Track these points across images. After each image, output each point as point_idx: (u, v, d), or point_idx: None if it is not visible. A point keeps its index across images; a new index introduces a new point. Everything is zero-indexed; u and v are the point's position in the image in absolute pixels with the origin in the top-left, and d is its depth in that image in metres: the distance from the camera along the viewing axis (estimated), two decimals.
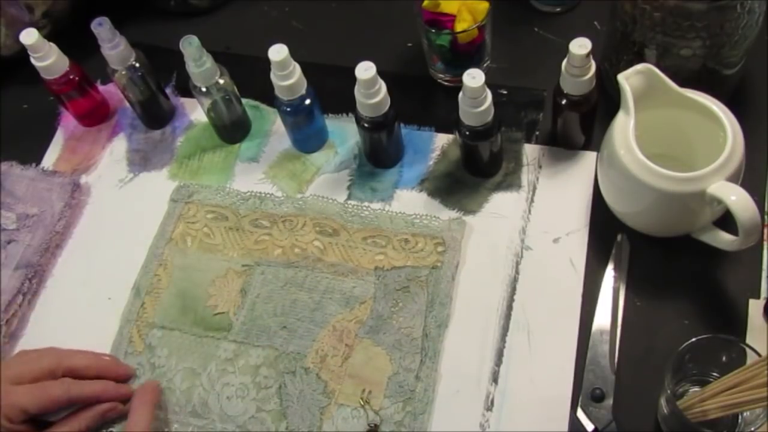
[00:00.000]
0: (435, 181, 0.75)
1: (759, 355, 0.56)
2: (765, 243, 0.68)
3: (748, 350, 0.57)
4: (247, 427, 0.65)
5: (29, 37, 0.73)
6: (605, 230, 0.70)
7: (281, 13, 0.89)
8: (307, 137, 0.78)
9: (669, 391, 0.57)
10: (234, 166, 0.79)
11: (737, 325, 0.65)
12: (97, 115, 0.83)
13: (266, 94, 0.75)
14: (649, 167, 0.61)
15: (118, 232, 0.77)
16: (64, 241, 0.77)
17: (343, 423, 0.65)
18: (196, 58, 0.71)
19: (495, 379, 0.65)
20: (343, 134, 0.79)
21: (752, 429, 0.56)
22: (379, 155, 0.76)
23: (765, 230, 0.68)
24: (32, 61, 0.75)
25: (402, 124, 0.76)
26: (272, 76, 0.70)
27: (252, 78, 0.77)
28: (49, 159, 0.82)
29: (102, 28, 0.72)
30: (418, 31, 0.77)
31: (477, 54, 0.77)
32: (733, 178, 0.61)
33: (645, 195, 0.63)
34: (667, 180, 0.61)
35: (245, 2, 0.90)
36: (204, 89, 0.73)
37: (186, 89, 0.76)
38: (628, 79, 0.63)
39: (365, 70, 0.66)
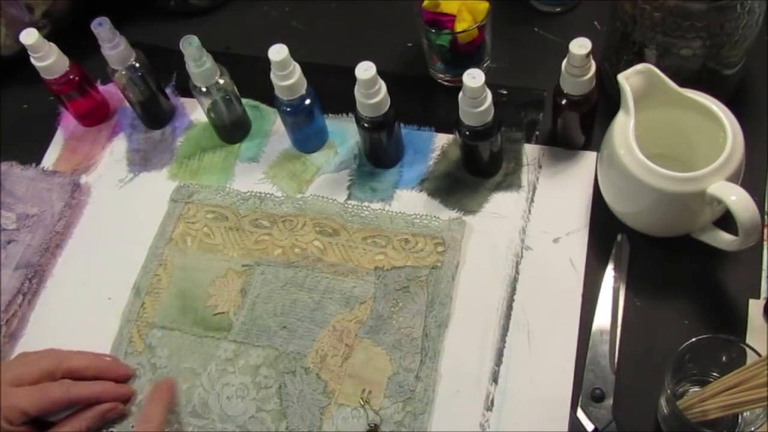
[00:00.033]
0: (435, 181, 0.75)
1: (759, 355, 0.56)
2: (765, 243, 0.68)
3: (748, 350, 0.57)
4: (247, 427, 0.65)
5: (29, 37, 0.73)
6: (605, 230, 0.70)
7: (281, 13, 0.89)
8: (307, 137, 0.78)
9: (669, 391, 0.57)
10: (234, 166, 0.79)
11: (737, 325, 0.65)
12: (97, 115, 0.83)
13: (266, 94, 0.75)
14: (649, 167, 0.61)
15: (118, 232, 0.77)
16: (64, 241, 0.77)
17: (343, 423, 0.65)
18: (196, 58, 0.71)
19: (495, 379, 0.65)
20: (343, 134, 0.79)
21: (752, 429, 0.56)
22: (379, 155, 0.76)
23: (765, 230, 0.68)
24: (32, 61, 0.75)
25: (402, 124, 0.76)
26: (272, 76, 0.70)
27: (252, 78, 0.77)
28: (49, 159, 0.82)
29: (102, 28, 0.72)
30: (418, 31, 0.77)
31: (477, 54, 0.77)
32: (733, 178, 0.61)
33: (645, 195, 0.63)
34: (667, 180, 0.61)
35: (245, 2, 0.90)
36: (204, 89, 0.73)
37: (186, 89, 0.76)
38: (628, 79, 0.63)
39: (365, 70, 0.66)
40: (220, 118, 0.78)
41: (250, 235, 0.74)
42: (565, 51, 0.65)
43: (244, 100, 0.79)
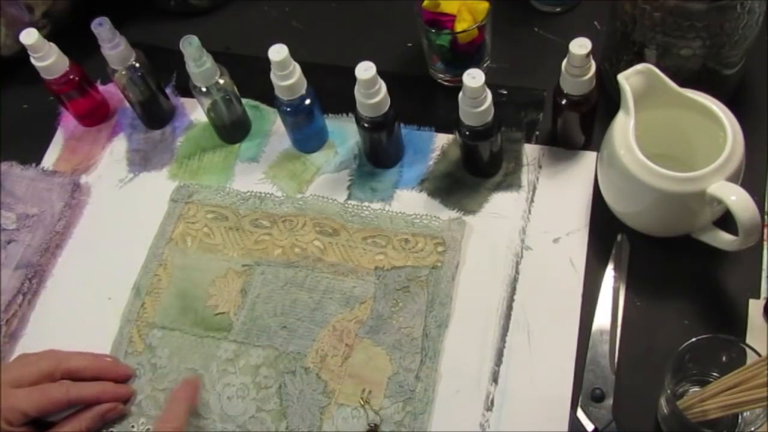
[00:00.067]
0: (435, 181, 0.75)
1: (759, 355, 0.56)
2: (765, 243, 0.68)
3: (748, 350, 0.57)
4: (247, 427, 0.65)
5: (29, 37, 0.73)
6: (605, 230, 0.70)
7: (281, 13, 0.89)
8: (307, 137, 0.78)
9: (669, 391, 0.57)
10: (234, 166, 0.79)
11: (737, 325, 0.65)
12: (97, 115, 0.83)
13: (266, 94, 0.75)
14: (649, 167, 0.61)
15: (118, 232, 0.77)
16: (64, 241, 0.77)
17: (343, 423, 0.65)
18: (196, 58, 0.71)
19: (495, 379, 0.65)
20: (343, 134, 0.79)
21: (752, 429, 0.56)
22: (379, 155, 0.76)
23: (765, 230, 0.68)
24: (32, 61, 0.75)
25: (402, 124, 0.76)
26: (272, 76, 0.70)
27: (252, 78, 0.77)
28: (49, 159, 0.82)
29: (102, 28, 0.72)
30: (418, 31, 0.77)
31: (477, 54, 0.77)
32: (733, 178, 0.61)
33: (645, 195, 0.63)
34: (667, 180, 0.61)
35: (245, 2, 0.90)
36: (204, 89, 0.73)
37: (186, 89, 0.76)
38: (628, 79, 0.63)
39: (365, 70, 0.66)
40: (220, 118, 0.78)
41: (250, 235, 0.74)
42: (565, 51, 0.65)
43: (244, 100, 0.79)
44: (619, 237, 0.69)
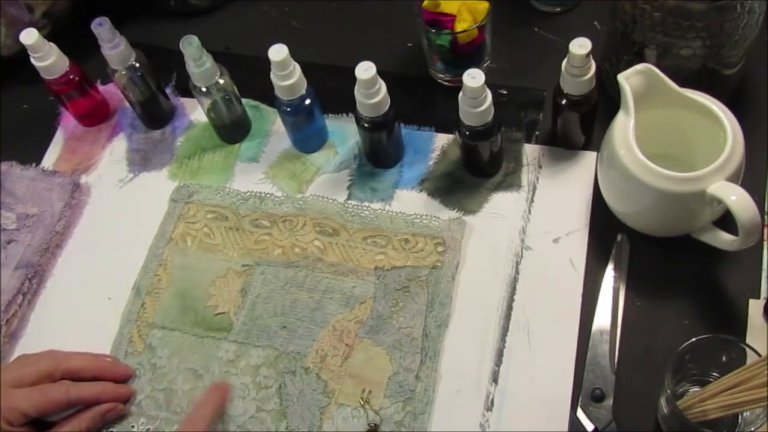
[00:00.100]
0: (435, 181, 0.75)
1: (759, 355, 0.56)
2: (765, 243, 0.68)
3: (748, 350, 0.57)
4: (247, 427, 0.65)
5: (29, 37, 0.73)
6: (605, 230, 0.70)
7: (281, 13, 0.89)
8: (307, 137, 0.78)
9: (669, 391, 0.57)
10: (234, 166, 0.79)
11: (737, 325, 0.65)
12: (97, 115, 0.83)
13: (266, 94, 0.75)
14: (649, 167, 0.61)
15: (118, 232, 0.77)
16: (64, 241, 0.77)
17: (343, 423, 0.65)
18: (196, 58, 0.71)
19: (495, 379, 0.65)
20: (343, 134, 0.79)
21: (752, 429, 0.56)
22: (379, 155, 0.76)
23: (765, 230, 0.68)
24: (32, 61, 0.75)
25: (402, 124, 0.76)
26: (272, 76, 0.70)
27: (252, 78, 0.77)
28: (49, 159, 0.82)
29: (102, 28, 0.72)
30: (418, 31, 0.77)
31: (477, 54, 0.77)
32: (733, 178, 0.61)
33: (645, 195, 0.63)
34: (667, 180, 0.61)
35: (245, 2, 0.90)
36: (204, 89, 0.73)
37: (186, 89, 0.76)
38: (628, 79, 0.63)
39: (365, 70, 0.66)
40: (220, 118, 0.78)
41: (250, 235, 0.74)
42: (565, 51, 0.65)
43: (244, 100, 0.79)
44: (619, 237, 0.69)
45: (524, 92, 0.78)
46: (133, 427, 0.67)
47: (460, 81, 0.65)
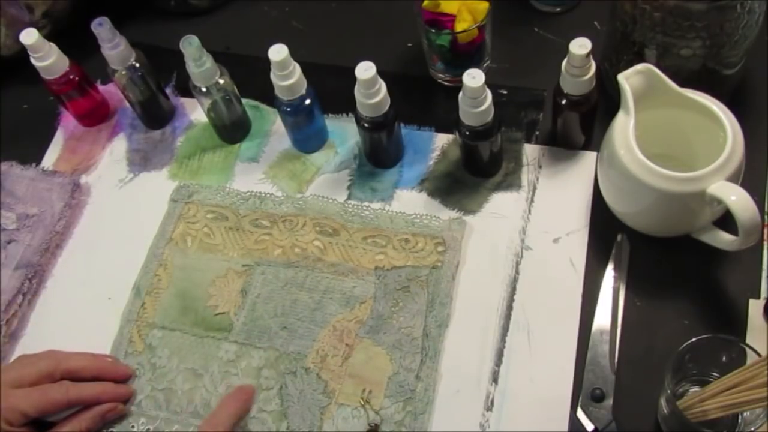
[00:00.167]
0: (435, 181, 0.75)
1: (759, 355, 0.56)
2: (765, 243, 0.68)
3: (748, 350, 0.57)
4: (247, 428, 0.65)
5: (29, 37, 0.73)
6: (605, 230, 0.70)
7: (281, 13, 0.89)
8: (307, 137, 0.78)
9: (669, 391, 0.57)
10: (234, 166, 0.79)
11: (737, 325, 0.65)
12: (97, 115, 0.83)
13: (266, 94, 0.75)
14: (649, 167, 0.61)
15: (118, 232, 0.77)
16: (64, 241, 0.77)
17: (343, 423, 0.65)
18: (196, 58, 0.71)
19: (495, 379, 0.65)
20: (343, 134, 0.79)
21: (752, 429, 0.56)
22: (379, 155, 0.76)
23: (765, 230, 0.68)
24: (32, 61, 0.75)
25: (402, 124, 0.76)
26: (272, 76, 0.70)
27: (252, 78, 0.77)
28: (49, 159, 0.82)
29: (102, 28, 0.72)
30: (418, 31, 0.77)
31: (477, 54, 0.77)
32: (733, 178, 0.61)
33: (645, 195, 0.63)
34: (667, 180, 0.61)
35: (245, 2, 0.90)
36: (204, 89, 0.73)
37: (186, 89, 0.76)
38: (628, 79, 0.63)
39: (365, 70, 0.66)
40: (220, 118, 0.78)
41: (250, 235, 0.74)
42: (565, 51, 0.65)
43: (244, 100, 0.79)
44: (619, 237, 0.69)
45: (524, 92, 0.78)
46: (133, 427, 0.67)
47: (460, 81, 0.65)
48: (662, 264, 0.68)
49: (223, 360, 0.68)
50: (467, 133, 0.69)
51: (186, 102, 0.83)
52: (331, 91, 0.75)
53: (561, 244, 0.70)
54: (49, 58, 0.75)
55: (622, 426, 0.62)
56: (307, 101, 0.73)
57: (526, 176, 0.74)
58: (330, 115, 0.79)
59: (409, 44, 0.83)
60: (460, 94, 0.66)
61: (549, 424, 0.63)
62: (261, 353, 0.68)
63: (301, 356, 0.68)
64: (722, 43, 0.66)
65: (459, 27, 0.74)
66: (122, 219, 0.77)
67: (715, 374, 0.60)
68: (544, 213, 0.72)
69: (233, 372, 0.68)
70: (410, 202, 0.74)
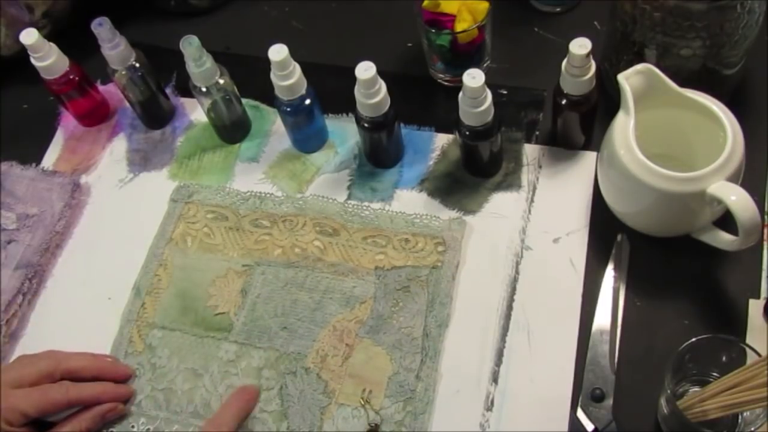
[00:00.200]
0: (435, 181, 0.75)
1: (759, 355, 0.56)
2: (765, 243, 0.68)
3: (748, 350, 0.57)
4: (247, 428, 0.65)
5: (29, 37, 0.73)
6: (605, 230, 0.70)
7: (281, 13, 0.89)
8: (307, 137, 0.78)
9: (669, 391, 0.57)
10: (234, 166, 0.79)
11: (737, 325, 0.65)
12: (97, 115, 0.83)
13: (266, 94, 0.75)
14: (649, 167, 0.61)
15: (118, 232, 0.77)
16: (64, 241, 0.77)
17: (343, 423, 0.65)
18: (196, 58, 0.71)
19: (495, 379, 0.65)
20: (343, 134, 0.79)
21: (752, 429, 0.56)
22: (379, 155, 0.76)
23: (765, 230, 0.68)
24: (32, 61, 0.75)
25: (402, 124, 0.76)
26: (272, 76, 0.70)
27: (252, 78, 0.77)
28: (49, 159, 0.82)
29: (102, 28, 0.72)
30: (418, 31, 0.77)
31: (477, 54, 0.77)
32: (733, 178, 0.61)
33: (645, 195, 0.63)
34: (667, 180, 0.61)
35: (245, 2, 0.90)
36: (204, 89, 0.73)
37: (186, 89, 0.76)
38: (628, 79, 0.63)
39: (365, 70, 0.66)
40: (220, 118, 0.78)
41: (250, 235, 0.74)
42: (565, 51, 0.65)
43: (244, 100, 0.79)
44: (619, 237, 0.69)
45: (524, 92, 0.78)
46: (133, 427, 0.67)
47: (460, 81, 0.65)
48: (662, 264, 0.68)
49: (223, 360, 0.68)
50: (467, 133, 0.69)
51: (186, 102, 0.83)
52: (331, 91, 0.75)
53: (561, 244, 0.70)
54: (49, 58, 0.75)
55: (622, 426, 0.62)
56: (307, 101, 0.73)
57: (526, 176, 0.74)
58: (330, 115, 0.79)
59: (409, 44, 0.83)
60: (460, 94, 0.66)
61: (549, 424, 0.63)
62: (261, 353, 0.68)
63: (301, 356, 0.68)
64: (722, 43, 0.66)
65: (459, 27, 0.74)
66: (122, 219, 0.77)
67: (715, 374, 0.60)
68: (544, 213, 0.72)
69: (233, 372, 0.68)
70: (410, 202, 0.74)
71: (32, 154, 0.82)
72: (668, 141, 0.67)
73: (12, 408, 0.62)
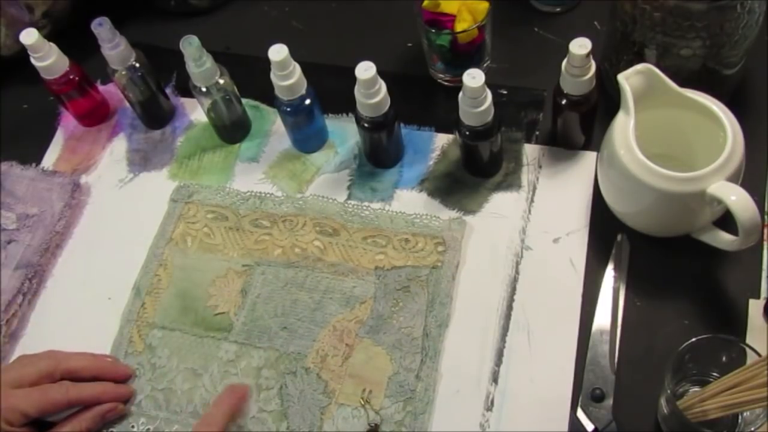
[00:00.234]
0: (435, 181, 0.75)
1: (759, 355, 0.56)
2: (765, 243, 0.68)
3: (748, 350, 0.57)
4: (247, 428, 0.65)
5: (29, 37, 0.73)
6: (605, 230, 0.70)
7: (281, 13, 0.89)
8: (307, 137, 0.78)
9: (669, 391, 0.57)
10: (234, 166, 0.79)
11: (737, 325, 0.65)
12: (97, 115, 0.83)
13: (266, 94, 0.75)
14: (649, 167, 0.61)
15: (118, 232, 0.77)
16: (64, 241, 0.77)
17: (343, 423, 0.65)
18: (196, 58, 0.71)
19: (495, 379, 0.65)
20: (343, 134, 0.79)
21: (752, 429, 0.56)
22: (379, 155, 0.76)
23: (765, 230, 0.68)
24: (32, 61, 0.75)
25: (402, 124, 0.76)
26: (272, 76, 0.70)
27: (252, 78, 0.77)
28: (49, 159, 0.82)
29: (102, 28, 0.72)
30: (418, 31, 0.77)
31: (477, 54, 0.77)
32: (733, 178, 0.61)
33: (645, 195, 0.63)
34: (667, 180, 0.61)
35: (245, 2, 0.90)
36: (204, 89, 0.73)
37: (186, 89, 0.76)
38: (628, 79, 0.63)
39: (365, 70, 0.66)
40: (220, 118, 0.78)
41: (250, 235, 0.74)
42: (565, 51, 0.65)
43: (244, 100, 0.79)
44: (619, 237, 0.69)
45: (524, 92, 0.78)
46: (133, 427, 0.67)
47: (460, 81, 0.65)
48: (662, 264, 0.68)
49: (223, 360, 0.68)
50: (467, 133, 0.69)
51: (186, 102, 0.83)
52: (331, 91, 0.75)
53: (561, 244, 0.70)
54: (49, 58, 0.75)
55: (622, 426, 0.62)
56: (307, 101, 0.73)
57: (526, 176, 0.74)
58: (330, 115, 0.79)
59: (409, 44, 0.83)
60: (460, 94, 0.66)
61: (549, 424, 0.63)
62: (261, 353, 0.68)
63: (301, 356, 0.68)
64: (722, 43, 0.66)
65: (459, 27, 0.74)
66: (122, 219, 0.77)
67: (715, 374, 0.60)
68: (544, 213, 0.72)
69: (233, 372, 0.68)
70: (410, 202, 0.74)
71: (32, 154, 0.82)
72: (668, 141, 0.67)
73: (12, 408, 0.62)
